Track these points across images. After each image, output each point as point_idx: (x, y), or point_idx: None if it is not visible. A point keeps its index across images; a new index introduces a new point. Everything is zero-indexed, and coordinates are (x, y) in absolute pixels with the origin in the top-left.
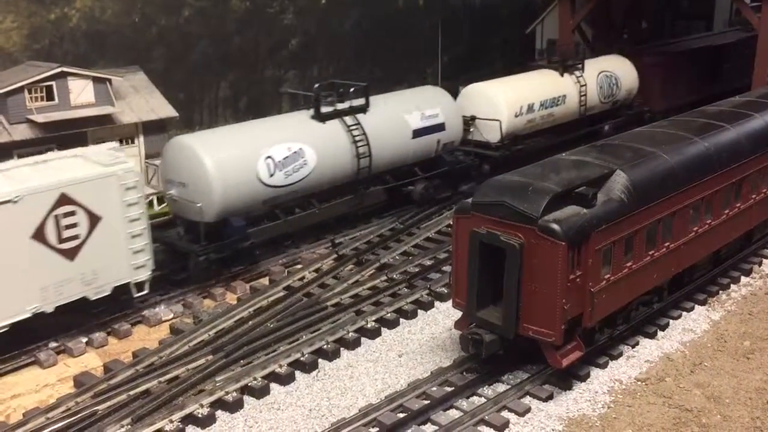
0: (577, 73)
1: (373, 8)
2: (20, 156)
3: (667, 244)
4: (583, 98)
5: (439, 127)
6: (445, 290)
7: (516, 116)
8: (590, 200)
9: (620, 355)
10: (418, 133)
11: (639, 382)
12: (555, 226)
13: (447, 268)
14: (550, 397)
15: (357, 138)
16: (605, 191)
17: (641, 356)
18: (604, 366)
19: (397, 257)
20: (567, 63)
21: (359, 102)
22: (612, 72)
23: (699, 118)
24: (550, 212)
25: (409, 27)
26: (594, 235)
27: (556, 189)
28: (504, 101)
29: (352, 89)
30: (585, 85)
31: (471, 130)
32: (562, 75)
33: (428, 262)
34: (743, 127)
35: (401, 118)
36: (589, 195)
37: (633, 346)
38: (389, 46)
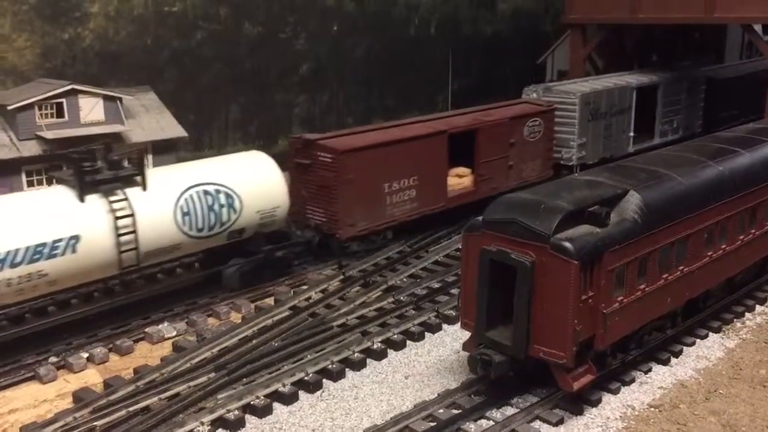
0: (121, 194)
1: (384, 35)
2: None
3: (681, 267)
4: (129, 236)
5: None
6: (453, 312)
7: None
8: (603, 219)
9: (633, 380)
10: None
11: (652, 409)
12: (567, 245)
13: (455, 291)
14: (560, 422)
15: None
16: (618, 211)
17: (654, 382)
18: (616, 391)
19: (404, 279)
20: (93, 178)
21: None
22: (221, 184)
23: (713, 143)
24: (562, 230)
25: (420, 55)
26: (607, 255)
27: (568, 207)
28: None
29: None
30: (132, 214)
31: None
32: (82, 199)
33: (436, 285)
34: (758, 153)
35: None
36: (603, 214)
37: (645, 372)
38: (400, 74)
